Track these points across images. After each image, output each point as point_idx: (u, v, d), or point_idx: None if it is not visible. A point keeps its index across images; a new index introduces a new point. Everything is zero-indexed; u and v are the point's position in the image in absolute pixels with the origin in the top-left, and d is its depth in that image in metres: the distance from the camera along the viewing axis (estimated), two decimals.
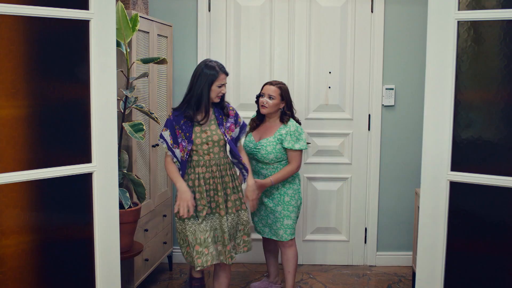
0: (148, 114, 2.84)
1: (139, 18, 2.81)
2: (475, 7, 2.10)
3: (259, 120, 3.40)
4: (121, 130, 2.84)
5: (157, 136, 3.55)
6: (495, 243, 2.18)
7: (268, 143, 3.24)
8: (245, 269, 4.00)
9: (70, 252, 2.27)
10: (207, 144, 2.87)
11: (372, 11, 3.89)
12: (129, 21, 2.74)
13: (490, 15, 2.07)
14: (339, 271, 4.01)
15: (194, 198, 2.84)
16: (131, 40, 2.92)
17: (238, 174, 3.09)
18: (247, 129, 3.35)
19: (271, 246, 3.53)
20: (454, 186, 2.19)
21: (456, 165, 2.18)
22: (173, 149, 2.83)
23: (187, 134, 2.82)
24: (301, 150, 3.27)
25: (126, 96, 2.82)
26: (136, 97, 2.89)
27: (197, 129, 2.86)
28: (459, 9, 2.11)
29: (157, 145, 3.47)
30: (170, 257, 3.91)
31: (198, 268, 2.86)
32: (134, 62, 2.90)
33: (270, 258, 3.58)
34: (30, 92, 2.11)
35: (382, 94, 3.94)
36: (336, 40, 3.93)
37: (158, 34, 3.47)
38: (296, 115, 3.41)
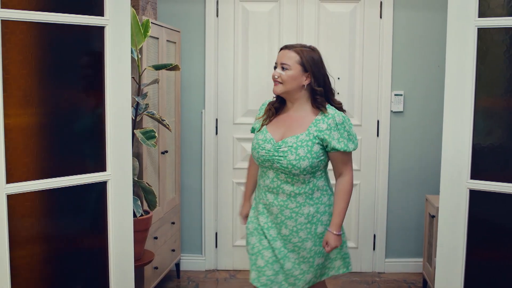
0: (160, 121, 2.81)
1: (150, 24, 2.78)
2: (495, 14, 2.08)
3: (279, 103, 2.36)
4: (131, 137, 2.80)
5: (168, 143, 3.52)
6: None
7: (299, 142, 2.20)
8: None
9: (84, 261, 2.24)
10: None
11: (381, 17, 3.87)
12: (140, 27, 2.71)
13: (511, 22, 2.05)
14: (348, 278, 3.98)
15: None
16: (141, 46, 2.89)
17: None
18: (259, 120, 2.40)
19: None
20: (474, 195, 2.17)
21: (476, 173, 2.16)
22: None
23: None
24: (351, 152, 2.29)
25: (137, 103, 2.79)
26: (147, 104, 2.86)
27: None
28: (479, 16, 2.09)
29: (167, 151, 3.43)
30: (178, 265, 3.87)
31: None
32: (145, 69, 2.87)
33: None
34: (45, 99, 2.08)
35: (391, 100, 3.92)
36: (344, 46, 3.91)
37: (167, 40, 3.44)
38: (337, 98, 2.37)
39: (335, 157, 2.29)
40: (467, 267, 2.20)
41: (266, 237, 2.35)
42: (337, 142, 2.23)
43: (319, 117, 2.26)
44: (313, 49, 2.31)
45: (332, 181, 2.43)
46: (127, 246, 2.29)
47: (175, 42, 3.63)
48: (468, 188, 2.17)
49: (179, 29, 3.75)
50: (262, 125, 2.36)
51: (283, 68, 2.25)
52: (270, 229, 2.34)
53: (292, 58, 2.25)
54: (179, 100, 3.75)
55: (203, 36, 3.90)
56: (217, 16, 3.91)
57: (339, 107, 2.32)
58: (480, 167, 2.15)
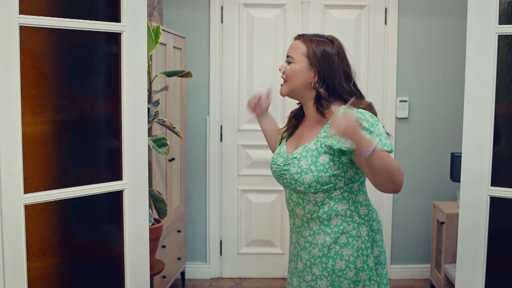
0: (171, 128, 2.78)
1: (161, 31, 2.75)
2: None
3: (300, 110, 2.01)
4: None
5: (174, 150, 3.48)
6: None
7: (304, 153, 1.82)
8: (259, 284, 3.93)
9: (100, 271, 2.19)
10: None
11: (385, 23, 3.88)
12: (152, 33, 2.68)
13: None
14: None
15: None
16: (151, 53, 2.85)
17: None
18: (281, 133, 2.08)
19: None
20: (495, 202, 2.16)
21: (496, 180, 2.15)
22: None
23: None
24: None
25: (148, 110, 2.75)
26: (157, 111, 2.82)
27: None
28: (499, 23, 2.08)
29: (174, 159, 3.39)
30: (183, 273, 3.82)
31: None
32: (156, 75, 2.84)
33: None
34: (61, 107, 2.04)
35: (396, 106, 3.92)
36: (349, 52, 3.85)
37: (173, 46, 3.41)
38: (364, 100, 1.91)
39: (360, 163, 1.73)
40: (487, 274, 2.19)
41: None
42: (352, 143, 1.66)
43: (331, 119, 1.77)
44: (330, 40, 1.90)
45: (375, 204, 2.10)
46: (143, 256, 2.25)
47: (180, 48, 3.60)
48: (488, 195, 2.16)
49: (184, 35, 3.72)
50: (282, 138, 2.03)
51: (288, 63, 1.89)
52: (291, 262, 2.03)
53: (299, 49, 1.87)
54: (184, 107, 3.71)
55: (207, 42, 3.88)
56: (222, 22, 3.89)
57: (367, 107, 1.85)
58: (501, 174, 2.14)
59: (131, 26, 2.13)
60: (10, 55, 1.80)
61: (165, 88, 2.89)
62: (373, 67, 3.90)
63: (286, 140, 2.00)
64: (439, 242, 3.57)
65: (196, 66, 3.87)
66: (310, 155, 1.81)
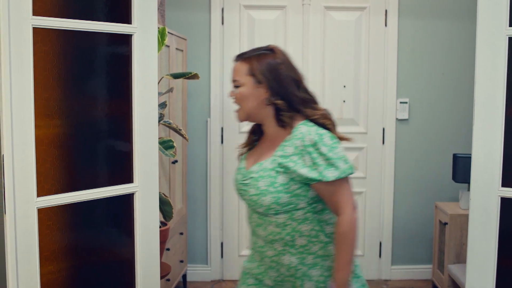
0: (177, 131, 2.76)
1: (166, 32, 2.73)
2: None
3: (260, 129, 1.88)
4: None
5: (179, 152, 3.46)
6: None
7: (261, 172, 1.74)
8: None
9: (110, 275, 2.17)
10: None
11: (386, 25, 3.90)
12: (158, 35, 2.66)
13: None
14: None
15: None
16: None
17: None
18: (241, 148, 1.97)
19: None
20: (505, 203, 2.17)
21: (507, 181, 2.16)
22: None
23: None
24: (344, 179, 1.69)
25: None
26: (162, 114, 2.80)
27: None
28: (510, 25, 2.10)
29: (176, 161, 3.38)
30: (184, 276, 3.80)
31: None
32: (162, 77, 2.82)
33: None
34: (72, 110, 2.02)
35: (396, 108, 3.94)
36: (350, 54, 3.91)
37: (176, 48, 3.39)
38: (319, 107, 1.81)
39: (318, 190, 1.70)
40: (498, 276, 2.20)
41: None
42: (308, 170, 1.66)
43: (289, 137, 1.73)
44: (270, 50, 1.80)
45: None
46: (153, 259, 2.23)
47: (182, 50, 3.59)
48: (499, 196, 2.17)
49: (186, 37, 3.70)
50: (241, 155, 1.94)
51: (236, 87, 1.80)
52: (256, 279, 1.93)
53: (241, 70, 1.78)
54: (186, 109, 3.70)
55: (208, 44, 3.87)
56: (223, 24, 3.88)
57: (322, 122, 1.74)
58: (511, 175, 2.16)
59: (142, 28, 2.12)
60: (23, 57, 1.78)
61: (170, 90, 2.87)
62: (374, 69, 3.92)
63: (246, 157, 1.91)
64: (441, 242, 3.59)
65: (197, 67, 3.85)
66: (267, 175, 1.72)
